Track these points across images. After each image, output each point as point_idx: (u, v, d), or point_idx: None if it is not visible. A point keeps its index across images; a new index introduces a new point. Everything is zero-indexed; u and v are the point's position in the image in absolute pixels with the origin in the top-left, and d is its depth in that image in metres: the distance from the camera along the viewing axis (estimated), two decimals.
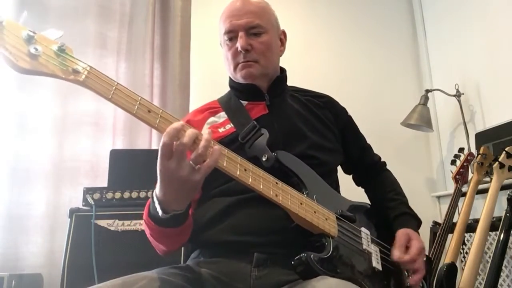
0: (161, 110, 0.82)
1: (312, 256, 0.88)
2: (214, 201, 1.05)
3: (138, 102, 0.80)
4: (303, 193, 0.98)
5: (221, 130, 1.12)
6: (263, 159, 1.01)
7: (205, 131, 0.83)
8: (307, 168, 1.05)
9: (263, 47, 1.16)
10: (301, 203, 0.94)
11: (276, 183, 0.93)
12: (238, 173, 0.86)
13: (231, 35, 1.16)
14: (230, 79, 1.25)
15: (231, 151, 0.88)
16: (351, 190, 1.28)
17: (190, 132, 0.80)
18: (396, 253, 1.04)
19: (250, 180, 0.88)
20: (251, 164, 0.90)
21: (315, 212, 0.95)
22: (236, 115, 1.15)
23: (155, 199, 0.86)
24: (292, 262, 0.89)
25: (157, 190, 0.85)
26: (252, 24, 1.15)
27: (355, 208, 1.10)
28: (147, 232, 0.97)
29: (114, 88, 0.79)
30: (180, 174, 0.79)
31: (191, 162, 0.79)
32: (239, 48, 1.13)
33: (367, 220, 1.12)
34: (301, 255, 0.88)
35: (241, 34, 1.14)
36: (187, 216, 0.93)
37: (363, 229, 1.06)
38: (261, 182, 0.90)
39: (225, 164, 0.85)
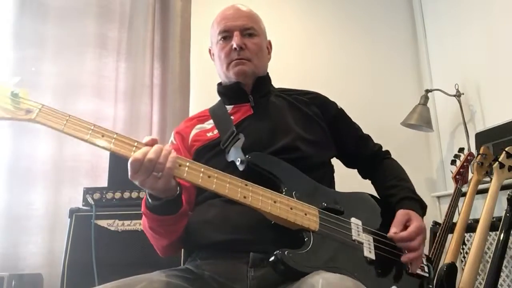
0: (115, 134, 0.90)
1: (286, 252, 0.87)
2: (208, 203, 1.06)
3: (91, 130, 0.88)
4: (282, 191, 0.99)
5: (209, 134, 1.17)
6: (237, 163, 1.04)
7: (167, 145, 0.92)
8: (286, 165, 1.05)
9: (256, 48, 1.22)
10: (274, 202, 0.94)
11: (246, 185, 0.94)
12: (200, 180, 0.91)
13: (226, 34, 1.21)
14: (218, 85, 1.28)
15: (194, 162, 0.94)
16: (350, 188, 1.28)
17: (156, 147, 0.88)
18: (392, 230, 1.03)
19: (214, 186, 0.92)
20: (217, 171, 0.94)
21: (291, 208, 0.95)
22: (220, 122, 1.18)
23: (146, 193, 0.95)
24: (269, 260, 0.88)
25: None
26: (247, 26, 1.22)
27: (347, 199, 1.09)
28: (147, 225, 1.02)
29: (65, 121, 0.87)
30: (145, 185, 0.89)
31: (154, 172, 0.87)
32: (234, 45, 1.17)
33: (362, 209, 1.09)
34: (276, 252, 0.87)
35: (236, 33, 1.19)
36: (181, 203, 0.98)
37: (353, 219, 1.04)
38: (227, 186, 0.93)
39: (185, 174, 0.91)
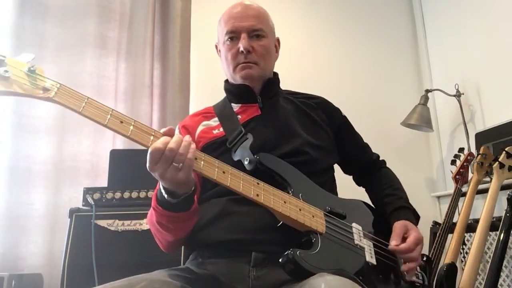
0: (133, 120, 0.86)
1: (298, 252, 0.88)
2: (211, 202, 1.06)
3: (109, 114, 0.84)
4: (288, 192, 0.99)
5: (215, 131, 1.16)
6: (245, 162, 1.03)
7: (186, 136, 0.88)
8: (291, 168, 1.06)
9: (263, 50, 1.19)
10: (284, 202, 0.95)
11: (258, 183, 0.94)
12: (216, 175, 0.90)
13: (233, 35, 1.19)
14: (226, 82, 1.27)
15: (209, 156, 0.92)
16: (350, 191, 1.28)
17: (176, 138, 0.86)
18: (393, 242, 1.04)
19: (229, 182, 0.91)
20: (230, 167, 0.93)
21: (300, 210, 0.96)
22: (227, 121, 1.17)
23: (162, 188, 0.91)
24: (280, 260, 0.89)
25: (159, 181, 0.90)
26: (255, 27, 1.19)
27: (347, 204, 1.10)
28: (154, 219, 0.98)
29: (84, 102, 0.83)
30: (166, 176, 0.85)
31: (174, 163, 0.84)
32: (241, 49, 1.16)
33: (360, 215, 1.12)
34: (287, 252, 0.88)
35: (243, 35, 1.17)
36: (193, 200, 0.96)
37: (354, 224, 1.05)
38: (241, 183, 0.92)
39: (202, 167, 0.89)
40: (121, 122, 0.85)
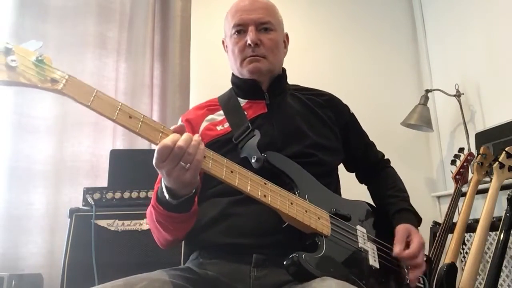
0: (142, 116, 0.84)
1: (303, 256, 0.87)
2: (212, 201, 1.05)
3: (118, 108, 0.82)
4: (294, 193, 0.98)
5: (219, 128, 1.13)
6: (252, 160, 1.01)
7: (196, 136, 0.86)
8: (298, 167, 1.04)
9: (272, 44, 1.17)
10: (291, 203, 0.93)
11: (265, 183, 0.93)
12: (224, 174, 0.88)
13: (240, 28, 1.17)
14: (233, 75, 1.24)
15: (217, 154, 0.90)
16: (351, 191, 1.28)
17: (185, 136, 0.83)
18: (396, 249, 1.03)
19: (236, 182, 0.89)
20: (238, 166, 0.91)
21: (306, 211, 0.95)
22: (233, 115, 1.15)
23: (163, 187, 0.89)
24: (284, 263, 0.88)
25: (163, 180, 0.88)
26: (263, 20, 1.16)
27: (351, 206, 1.10)
28: (153, 217, 0.97)
29: (93, 95, 0.80)
30: (172, 175, 0.83)
31: (181, 162, 0.82)
32: (249, 41, 1.13)
33: (365, 217, 1.11)
34: (293, 255, 0.87)
35: (251, 28, 1.15)
36: (193, 201, 0.95)
37: (358, 227, 1.05)
38: (249, 183, 0.90)
39: (210, 166, 0.87)
40: (130, 117, 0.82)
